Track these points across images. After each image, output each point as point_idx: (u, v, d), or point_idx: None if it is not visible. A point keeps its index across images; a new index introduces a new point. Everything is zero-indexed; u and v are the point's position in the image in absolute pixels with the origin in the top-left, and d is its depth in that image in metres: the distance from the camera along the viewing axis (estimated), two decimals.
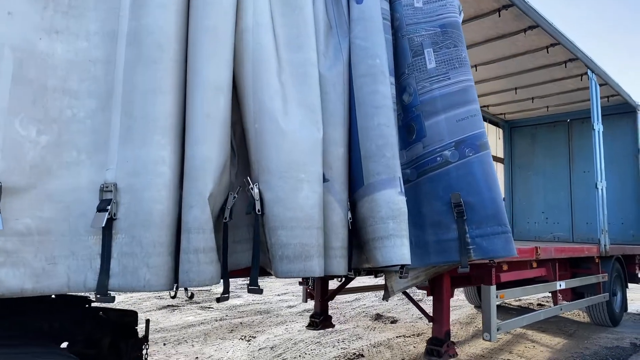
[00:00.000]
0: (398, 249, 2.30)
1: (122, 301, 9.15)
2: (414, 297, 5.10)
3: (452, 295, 4.73)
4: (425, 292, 5.10)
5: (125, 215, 1.73)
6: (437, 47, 3.02)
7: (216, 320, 7.58)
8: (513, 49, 6.65)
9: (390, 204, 2.35)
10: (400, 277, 2.66)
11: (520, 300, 9.71)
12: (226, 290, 1.99)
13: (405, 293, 4.93)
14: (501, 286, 4.67)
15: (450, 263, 2.94)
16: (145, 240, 1.71)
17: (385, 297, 3.15)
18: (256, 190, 2.04)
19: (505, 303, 9.37)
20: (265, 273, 2.24)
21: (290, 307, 8.91)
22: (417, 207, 2.98)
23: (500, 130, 10.54)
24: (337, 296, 6.88)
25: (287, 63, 2.21)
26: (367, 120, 2.46)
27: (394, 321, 7.58)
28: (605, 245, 6.61)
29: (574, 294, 6.96)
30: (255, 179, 2.08)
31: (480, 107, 8.75)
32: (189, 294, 2.05)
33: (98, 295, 1.69)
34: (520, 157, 10.59)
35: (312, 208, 2.08)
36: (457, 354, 4.26)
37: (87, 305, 2.56)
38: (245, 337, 6.52)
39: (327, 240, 2.26)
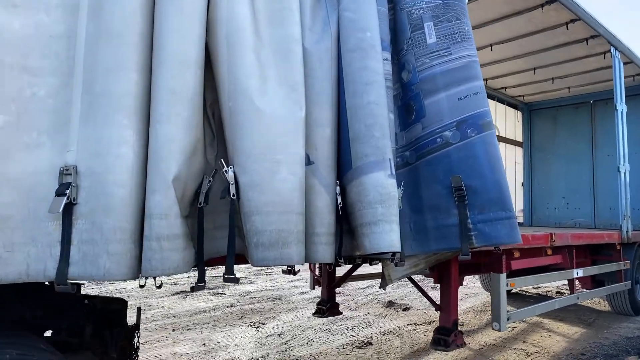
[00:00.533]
0: (387, 235, 2.16)
1: (135, 286, 9.24)
2: (425, 285, 4.95)
3: (461, 283, 4.57)
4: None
5: (86, 200, 1.63)
6: (438, 20, 2.82)
7: (227, 307, 7.58)
8: (530, 26, 6.33)
9: (379, 187, 2.20)
10: (397, 265, 2.52)
11: (538, 287, 9.46)
12: (201, 278, 1.89)
13: (411, 280, 4.79)
14: (513, 274, 4.49)
15: (451, 250, 2.78)
16: (106, 226, 1.61)
17: (383, 286, 3.01)
18: (230, 174, 1.91)
19: (523, 291, 9.13)
20: (246, 261, 2.13)
21: (302, 293, 8.86)
22: (416, 191, 2.82)
23: (519, 113, 10.18)
24: (349, 283, 6.78)
25: (268, 39, 2.06)
26: (356, 99, 2.30)
27: (406, 308, 7.45)
28: (627, 231, 6.31)
29: (594, 282, 6.71)
30: (230, 162, 1.96)
31: (498, 89, 8.46)
32: (158, 282, 1.96)
33: (58, 285, 1.61)
34: (540, 141, 10.22)
35: (291, 192, 1.95)
36: (465, 344, 4.11)
37: (73, 294, 2.49)
38: (254, 323, 6.49)
39: (310, 226, 2.13)
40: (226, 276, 1.90)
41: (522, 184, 10.13)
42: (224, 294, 8.77)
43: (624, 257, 6.47)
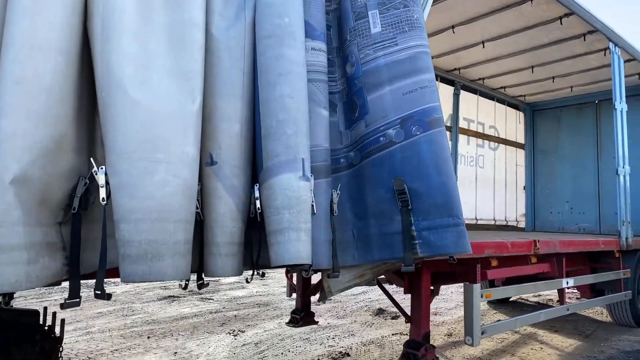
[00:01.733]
0: (292, 245, 1.91)
1: (125, 291, 9.13)
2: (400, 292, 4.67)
3: (437, 293, 4.28)
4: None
5: None
6: (384, 7, 2.58)
7: (211, 313, 7.39)
8: (522, 21, 6.02)
9: (287, 191, 1.96)
10: (329, 277, 2.28)
11: (539, 295, 9.06)
12: (74, 293, 1.67)
13: (382, 287, 4.54)
14: (507, 282, 4.18)
15: (394, 260, 2.52)
16: None
17: (322, 299, 2.76)
18: (101, 175, 1.70)
19: (522, 299, 8.75)
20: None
21: (292, 299, 8.61)
22: (360, 195, 2.57)
23: (521, 114, 9.81)
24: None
25: (162, 24, 1.84)
26: (269, 91, 2.06)
27: (395, 317, 7.15)
28: (626, 238, 5.93)
29: (593, 291, 6.34)
30: (105, 161, 1.74)
31: (497, 88, 8.11)
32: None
33: None
34: (544, 142, 9.83)
35: (171, 196, 1.72)
36: (437, 359, 3.83)
37: None
38: (233, 331, 6.27)
39: (210, 235, 1.90)
40: (96, 292, 1.68)
41: (524, 187, 9.75)
42: (212, 299, 8.58)
43: (624, 266, 6.08)
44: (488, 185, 8.86)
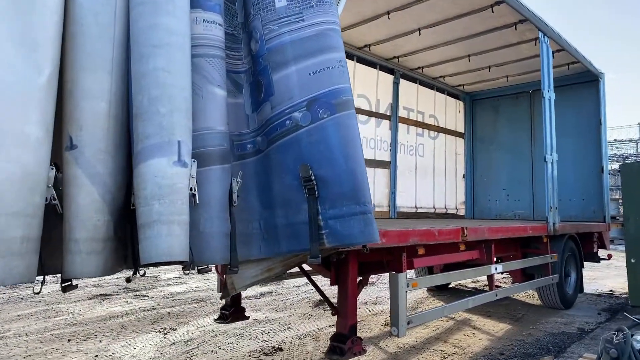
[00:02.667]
0: (162, 240, 1.71)
1: (53, 290, 8.54)
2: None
3: (366, 283, 4.18)
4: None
5: None
6: None
7: (143, 311, 7.02)
8: (456, 8, 6.01)
9: (158, 178, 1.74)
10: (228, 272, 2.08)
11: (477, 281, 9.27)
12: None
13: (309, 278, 4.41)
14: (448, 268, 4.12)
15: (303, 252, 2.36)
16: None
17: (224, 296, 2.57)
18: None
19: (461, 285, 8.93)
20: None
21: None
22: (267, 184, 2.39)
23: (461, 103, 9.95)
24: (286, 280, 6.28)
25: None
26: (142, 64, 1.83)
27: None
28: (554, 223, 6.10)
29: (525, 275, 6.51)
30: None
31: (436, 77, 8.11)
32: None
33: None
34: (482, 131, 10.05)
35: (4, 184, 1.47)
36: (364, 351, 3.74)
37: None
38: (164, 329, 5.96)
39: (68, 230, 1.66)
40: None
41: (464, 175, 9.93)
42: (147, 296, 8.18)
43: (552, 250, 6.27)
44: (428, 174, 8.94)
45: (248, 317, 5.11)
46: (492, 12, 5.89)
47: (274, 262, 2.49)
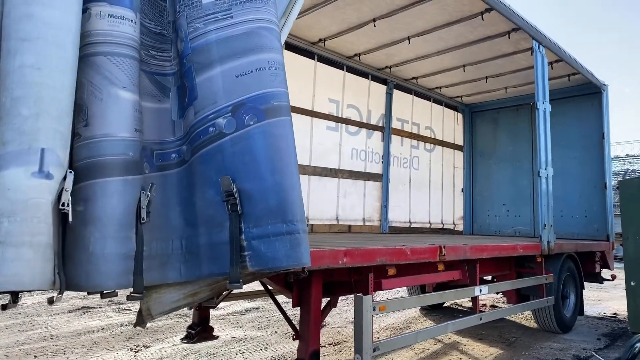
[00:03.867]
0: (7, 266, 1.47)
1: (37, 302, 8.37)
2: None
3: (335, 305, 3.90)
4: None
5: None
6: None
7: (121, 326, 6.78)
8: (444, 15, 5.77)
9: (10, 192, 1.51)
10: (130, 298, 1.83)
11: None
12: None
13: (270, 295, 4.14)
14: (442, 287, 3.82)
15: (224, 276, 2.09)
16: None
17: (138, 324, 2.30)
18: None
19: (457, 304, 8.54)
20: None
21: (218, 309, 8.09)
22: (190, 198, 2.14)
23: (459, 115, 9.67)
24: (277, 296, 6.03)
25: None
26: (8, 60, 1.61)
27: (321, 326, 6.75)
28: (549, 242, 5.75)
29: (519, 296, 6.15)
30: None
31: (432, 88, 7.84)
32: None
33: None
34: (482, 144, 9.73)
35: None
36: None
37: None
38: (137, 346, 5.72)
39: None
40: None
41: (462, 190, 9.60)
42: (130, 310, 7.95)
43: (547, 270, 5.92)
44: (423, 187, 8.63)
45: (216, 337, 4.85)
46: (482, 19, 5.64)
47: (199, 286, 2.24)
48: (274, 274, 2.28)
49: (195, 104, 2.12)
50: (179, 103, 2.22)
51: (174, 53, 2.27)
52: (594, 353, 4.64)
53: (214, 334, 4.76)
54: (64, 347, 5.71)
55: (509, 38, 6.20)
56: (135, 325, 2.36)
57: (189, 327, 4.70)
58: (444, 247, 4.01)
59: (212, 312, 7.74)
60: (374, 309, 3.45)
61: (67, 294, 2.06)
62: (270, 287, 4.00)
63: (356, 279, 3.64)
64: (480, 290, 4.56)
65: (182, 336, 4.72)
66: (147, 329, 6.52)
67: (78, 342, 5.93)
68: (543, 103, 5.94)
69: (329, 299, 3.88)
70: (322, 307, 3.85)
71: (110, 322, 7.02)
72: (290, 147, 2.08)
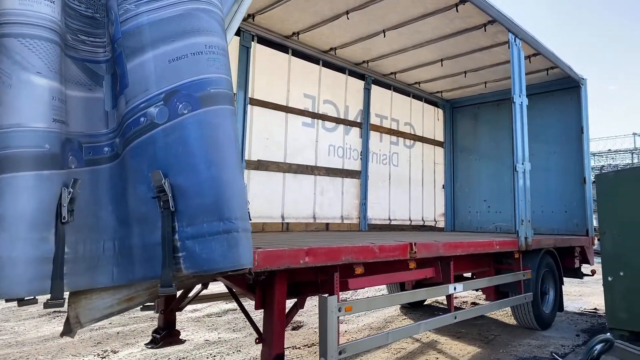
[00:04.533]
0: None
1: (5, 307, 8.09)
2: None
3: (301, 306, 3.75)
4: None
5: None
6: None
7: (92, 330, 6.55)
8: (418, 7, 5.65)
9: None
10: (48, 306, 1.65)
11: (456, 298, 8.77)
12: None
13: (234, 296, 3.98)
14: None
15: (157, 279, 1.93)
16: None
17: (65, 332, 2.12)
18: None
19: (438, 302, 8.45)
20: None
21: (194, 311, 7.90)
22: (123, 195, 1.96)
23: (440, 111, 9.56)
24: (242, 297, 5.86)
25: None
26: None
27: (297, 327, 6.61)
28: (526, 238, 5.66)
29: (498, 293, 6.06)
30: None
31: (411, 84, 7.70)
32: None
33: None
34: (463, 140, 9.65)
35: None
36: None
37: None
38: (105, 352, 5.51)
39: None
40: None
41: (443, 186, 9.50)
42: None
43: (525, 266, 5.83)
44: (403, 184, 8.51)
45: (183, 341, 4.67)
46: (457, 11, 5.53)
47: (136, 290, 2.06)
48: (212, 276, 2.11)
49: (126, 92, 1.95)
50: (112, 92, 2.05)
51: (107, 38, 2.09)
52: (554, 354, 4.56)
53: (180, 337, 4.59)
54: (29, 353, 5.48)
55: (485, 31, 6.09)
56: (61, 335, 2.18)
57: (154, 331, 4.52)
58: (415, 244, 3.88)
59: (188, 314, 7.56)
60: (339, 310, 3.30)
61: (41, 298, 1.91)
62: (234, 289, 3.83)
63: (322, 278, 3.49)
64: (455, 288, 4.44)
65: (148, 341, 4.53)
66: (113, 334, 6.31)
67: (44, 348, 5.71)
68: (520, 96, 5.85)
69: (295, 299, 3.73)
70: (289, 309, 3.71)
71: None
72: (229, 138, 1.92)
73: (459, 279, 5.75)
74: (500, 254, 5.86)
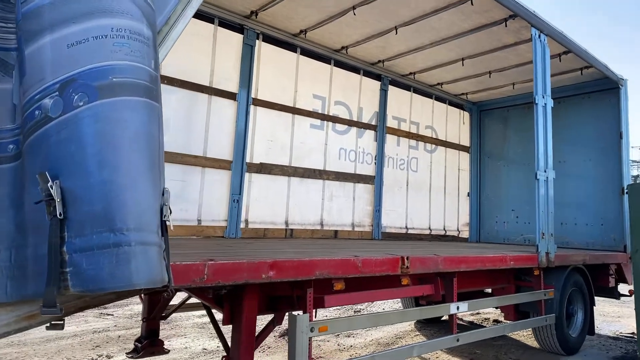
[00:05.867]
0: None
1: None
2: None
3: (279, 323, 3.44)
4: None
5: None
6: None
7: (94, 332, 6.50)
8: (430, 1, 5.24)
9: None
10: None
11: (478, 313, 8.22)
12: None
13: (207, 310, 3.72)
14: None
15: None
16: None
17: None
18: None
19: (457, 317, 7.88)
20: None
21: (202, 316, 7.73)
22: (20, 199, 1.73)
23: (466, 114, 9.03)
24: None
25: None
26: None
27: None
28: (548, 253, 5.12)
29: (517, 312, 5.53)
30: None
31: (433, 85, 7.26)
32: None
33: None
34: (491, 145, 9.08)
35: None
36: None
37: None
38: (100, 356, 5.40)
39: None
40: None
41: (468, 194, 8.95)
42: (111, 315, 7.68)
43: (547, 285, 5.28)
44: (423, 191, 8.05)
45: (167, 351, 4.46)
46: (472, 4, 5.08)
47: (39, 307, 1.82)
48: (105, 296, 1.84)
49: (24, 82, 1.72)
50: (16, 83, 1.83)
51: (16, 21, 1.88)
52: None
53: (165, 347, 4.38)
54: (25, 354, 5.44)
55: (507, 26, 5.61)
56: None
57: (137, 340, 4.34)
58: (407, 258, 3.49)
59: (195, 319, 7.40)
60: (311, 330, 2.97)
61: None
62: (200, 300, 3.57)
63: (298, 294, 3.18)
64: (458, 308, 4.01)
65: (128, 351, 4.35)
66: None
67: (43, 349, 5.67)
68: (543, 97, 5.33)
69: (273, 315, 3.43)
70: (265, 324, 3.42)
71: (86, 328, 6.75)
72: (133, 135, 1.64)
73: (471, 295, 5.29)
74: (520, 270, 5.34)
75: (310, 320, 2.98)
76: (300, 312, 2.97)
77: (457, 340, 3.98)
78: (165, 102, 4.99)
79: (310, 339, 2.98)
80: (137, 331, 6.61)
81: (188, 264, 2.38)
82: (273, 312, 3.40)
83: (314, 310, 3.20)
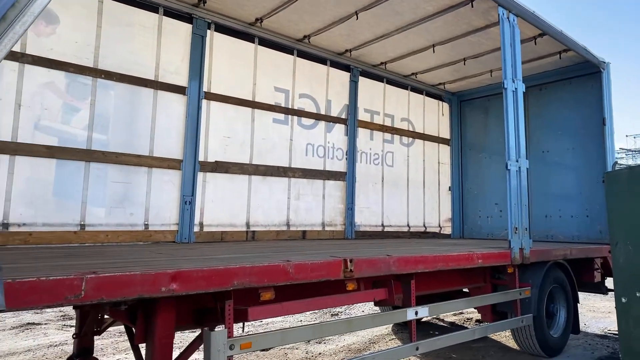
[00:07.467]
0: None
1: None
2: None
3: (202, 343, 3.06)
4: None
5: None
6: None
7: (51, 346, 6.13)
8: None
9: None
10: None
11: (461, 313, 7.85)
12: None
13: (127, 331, 3.35)
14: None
15: None
16: None
17: None
18: None
19: (438, 318, 7.53)
20: None
21: (193, 331, 7.34)
22: None
23: (445, 105, 8.67)
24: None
25: None
26: None
27: (265, 348, 5.92)
28: (522, 249, 4.75)
29: (494, 313, 5.17)
30: None
31: (407, 75, 6.88)
32: None
33: None
34: (472, 137, 8.71)
35: None
36: None
37: None
38: None
39: None
40: None
41: (450, 188, 8.59)
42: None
43: (522, 283, 4.91)
44: (400, 186, 7.69)
45: None
46: None
47: None
48: None
49: None
50: None
51: None
52: None
53: None
54: None
55: (473, 7, 5.23)
56: None
57: (68, 358, 3.98)
58: (351, 260, 3.12)
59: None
60: (231, 348, 2.60)
61: None
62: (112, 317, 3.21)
63: (222, 306, 2.80)
64: (417, 313, 3.64)
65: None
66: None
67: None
68: (513, 82, 4.94)
69: (199, 330, 3.06)
70: (192, 341, 3.05)
71: (43, 341, 6.38)
72: None
73: (447, 296, 4.92)
74: (494, 268, 4.98)
75: (230, 336, 2.62)
76: (210, 329, 2.60)
77: (417, 349, 3.61)
78: (103, 97, 4.64)
79: (230, 357, 2.61)
80: (112, 340, 6.26)
81: (59, 279, 2.01)
82: (200, 326, 3.04)
83: (242, 324, 2.84)
